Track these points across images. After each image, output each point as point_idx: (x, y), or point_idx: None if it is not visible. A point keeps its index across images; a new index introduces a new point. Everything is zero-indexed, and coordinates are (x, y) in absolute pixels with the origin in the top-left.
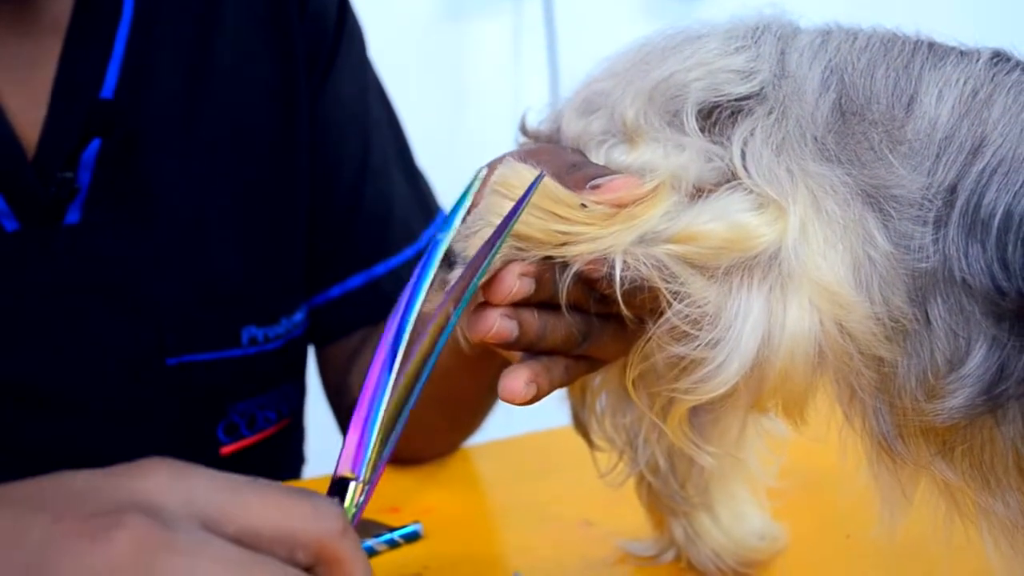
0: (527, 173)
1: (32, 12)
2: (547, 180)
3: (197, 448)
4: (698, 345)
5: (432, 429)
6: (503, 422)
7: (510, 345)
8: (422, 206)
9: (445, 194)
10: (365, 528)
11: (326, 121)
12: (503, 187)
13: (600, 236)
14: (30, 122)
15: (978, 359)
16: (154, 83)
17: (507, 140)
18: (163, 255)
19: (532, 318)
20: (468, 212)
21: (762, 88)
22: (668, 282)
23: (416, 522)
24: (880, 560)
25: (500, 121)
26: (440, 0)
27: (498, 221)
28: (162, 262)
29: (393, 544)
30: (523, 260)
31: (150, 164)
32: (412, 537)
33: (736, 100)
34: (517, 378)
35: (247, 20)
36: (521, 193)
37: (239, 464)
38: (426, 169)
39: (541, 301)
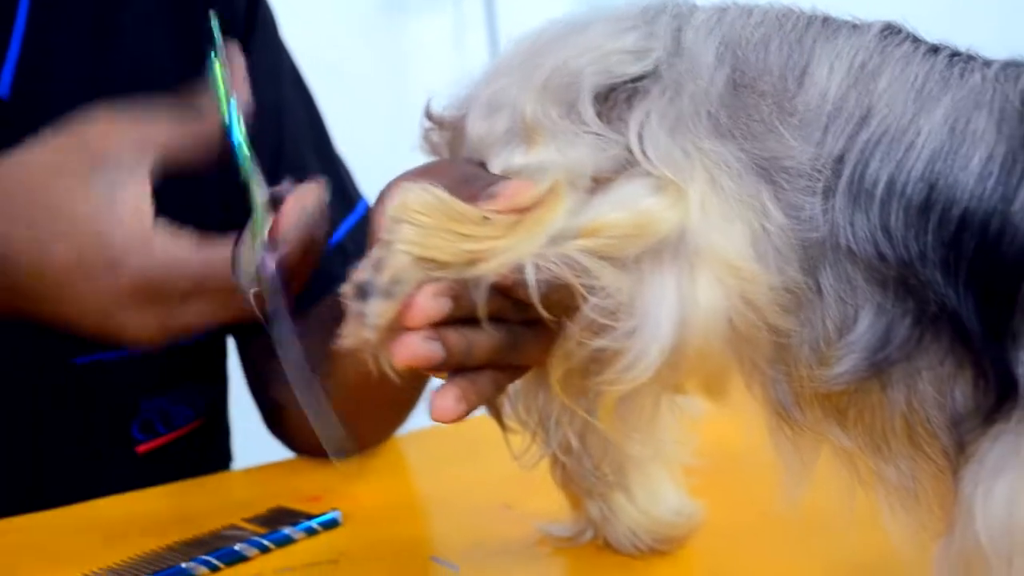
0: (424, 194)
1: None
2: (446, 199)
3: (111, 447)
4: (617, 336)
5: (356, 427)
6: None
7: (437, 367)
8: (340, 194)
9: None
10: (283, 516)
11: None
12: (403, 213)
13: (508, 247)
14: None
15: (864, 326)
16: (52, 80)
17: None
18: None
19: (455, 337)
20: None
21: (656, 67)
22: (581, 277)
23: (335, 510)
24: (798, 536)
25: None
26: None
27: (405, 248)
28: None
29: (311, 532)
30: (435, 281)
31: None
32: (330, 524)
33: (631, 81)
34: (446, 398)
35: (150, 11)
36: (422, 217)
37: (157, 463)
38: (367, 163)
39: (461, 318)
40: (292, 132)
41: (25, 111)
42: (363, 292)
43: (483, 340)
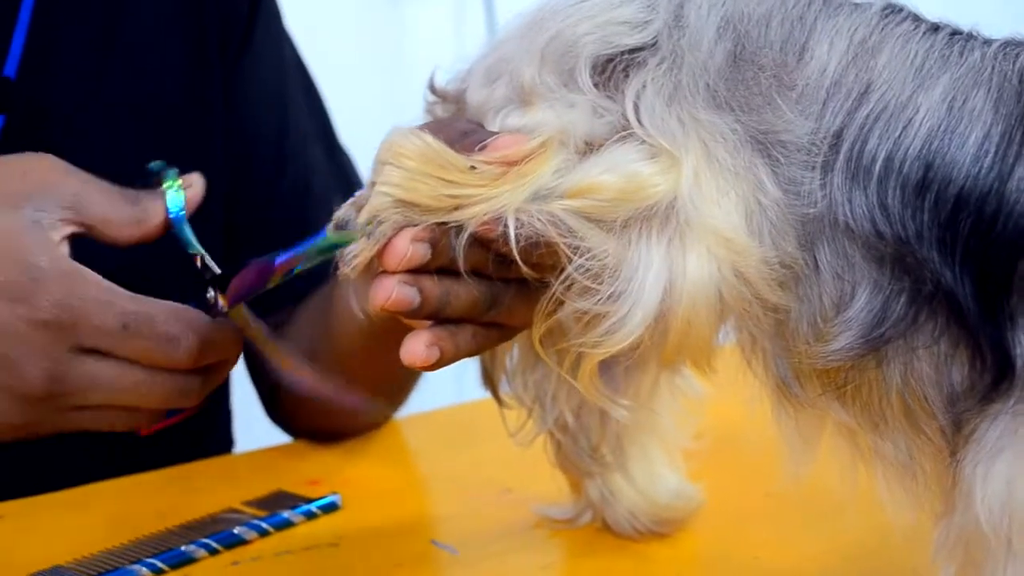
0: (413, 139)
1: None
2: (435, 145)
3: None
4: (600, 299)
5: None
6: (428, 395)
7: (414, 313)
8: (343, 184)
9: None
10: (283, 500)
11: (242, 99)
12: (389, 155)
13: (491, 196)
14: None
15: (861, 303)
16: (60, 59)
17: None
18: None
19: (432, 284)
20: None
21: (656, 38)
22: (566, 237)
23: (334, 493)
24: (799, 519)
25: None
26: None
27: (387, 190)
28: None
29: (310, 515)
30: (415, 226)
31: (57, 141)
32: (330, 508)
33: (629, 52)
34: (418, 341)
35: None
36: (408, 160)
37: (159, 446)
38: (366, 153)
39: (441, 267)
40: (295, 122)
41: (32, 91)
42: (342, 229)
43: (462, 292)
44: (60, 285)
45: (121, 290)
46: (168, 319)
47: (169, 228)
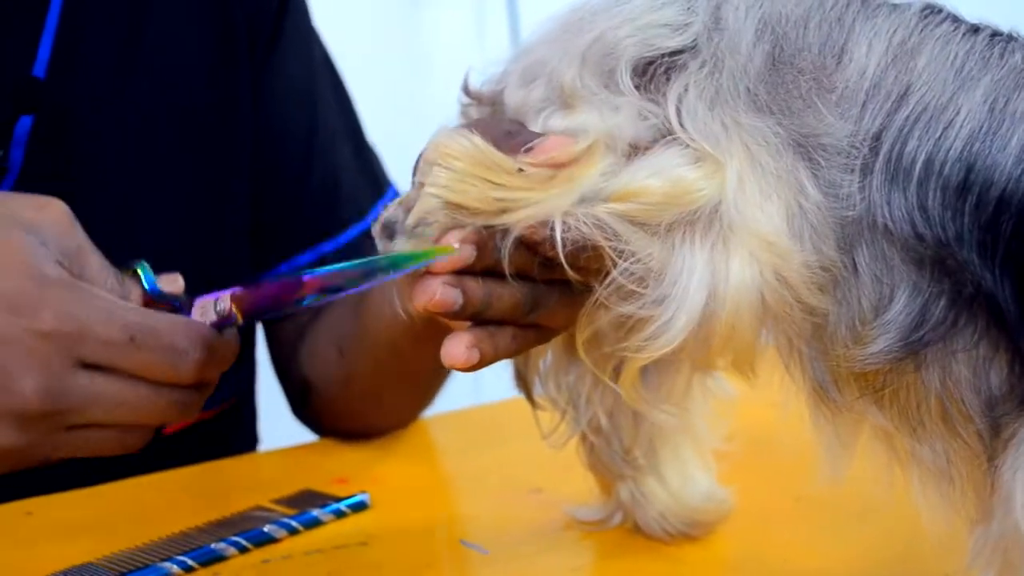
0: (461, 140)
1: None
2: (482, 146)
3: None
4: (644, 303)
5: (385, 404)
6: (445, 396)
7: (455, 314)
8: (371, 182)
9: (404, 182)
10: (311, 498)
11: (270, 98)
12: (438, 156)
13: (539, 200)
14: None
15: (900, 305)
16: (86, 59)
17: None
18: (97, 234)
19: (476, 285)
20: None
21: (695, 41)
22: (611, 240)
23: (363, 492)
24: (829, 523)
25: None
26: None
27: (436, 191)
28: (96, 242)
29: (339, 514)
30: (462, 227)
31: (83, 141)
32: (359, 507)
33: (670, 55)
34: (459, 343)
35: None
36: (457, 162)
37: (184, 443)
38: (389, 156)
39: (485, 268)
40: (324, 119)
41: (60, 91)
42: (389, 231)
43: (505, 294)
44: (65, 295)
45: (124, 303)
46: (174, 332)
47: (148, 302)
